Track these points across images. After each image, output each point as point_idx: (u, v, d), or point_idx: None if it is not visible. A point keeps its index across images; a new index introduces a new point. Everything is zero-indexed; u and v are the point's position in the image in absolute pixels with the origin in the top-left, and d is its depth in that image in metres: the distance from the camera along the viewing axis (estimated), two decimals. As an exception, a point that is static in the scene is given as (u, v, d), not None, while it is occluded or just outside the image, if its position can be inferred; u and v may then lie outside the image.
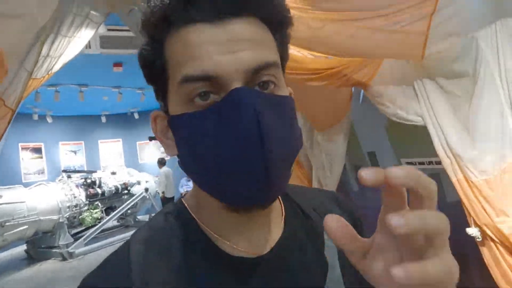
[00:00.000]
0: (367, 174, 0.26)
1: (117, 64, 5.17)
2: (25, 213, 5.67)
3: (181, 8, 0.41)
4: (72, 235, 6.44)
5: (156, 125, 0.49)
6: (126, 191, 7.95)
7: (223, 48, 0.40)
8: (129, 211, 7.85)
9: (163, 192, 7.34)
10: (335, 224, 0.31)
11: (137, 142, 10.16)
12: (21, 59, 1.75)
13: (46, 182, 6.66)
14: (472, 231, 1.79)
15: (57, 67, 2.76)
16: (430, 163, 2.33)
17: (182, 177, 8.82)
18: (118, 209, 7.30)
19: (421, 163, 2.43)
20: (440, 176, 2.17)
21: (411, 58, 1.90)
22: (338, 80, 2.12)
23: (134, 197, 7.64)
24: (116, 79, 6.32)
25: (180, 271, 0.44)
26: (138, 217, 8.54)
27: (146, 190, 7.95)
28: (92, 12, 2.62)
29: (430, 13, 1.63)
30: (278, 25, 0.45)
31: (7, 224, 5.28)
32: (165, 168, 7.46)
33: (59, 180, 6.84)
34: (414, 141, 2.39)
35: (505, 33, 1.57)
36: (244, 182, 0.40)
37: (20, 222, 5.54)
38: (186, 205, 0.52)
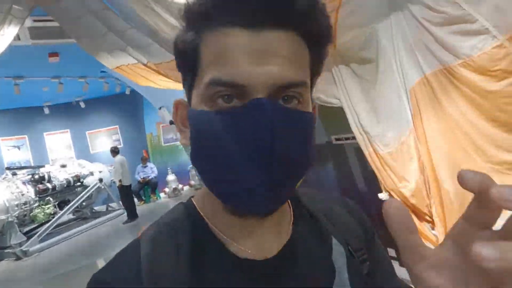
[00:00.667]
0: (470, 178, 0.24)
1: (53, 54, 4.93)
2: (-32, 215, 5.42)
3: (225, 8, 0.40)
4: (25, 233, 6.24)
5: (177, 112, 0.50)
6: (79, 183, 7.75)
7: (255, 59, 0.39)
8: (84, 203, 7.67)
9: (120, 181, 7.25)
10: (392, 209, 0.27)
11: (87, 132, 9.81)
12: None
13: (-12, 182, 6.32)
14: (382, 195, 2.10)
15: (-18, 66, 2.65)
16: (353, 138, 2.61)
17: (137, 164, 8.77)
18: (72, 202, 7.12)
19: (347, 138, 2.71)
20: (361, 149, 2.47)
21: (325, 47, 2.09)
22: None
23: (88, 189, 7.48)
24: (54, 69, 6.01)
25: (188, 271, 0.44)
26: (95, 208, 8.38)
27: (101, 180, 7.81)
28: (15, 6, 2.52)
29: (336, 7, 1.82)
30: (317, 42, 0.44)
31: (-51, 229, 5.03)
32: (119, 157, 7.33)
33: (3, 178, 6.50)
34: (340, 120, 2.65)
35: (398, 25, 1.80)
36: (247, 190, 0.41)
37: (-37, 225, 5.30)
38: (195, 204, 0.52)
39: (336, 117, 2.70)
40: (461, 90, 1.64)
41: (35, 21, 3.56)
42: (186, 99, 0.49)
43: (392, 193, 2.03)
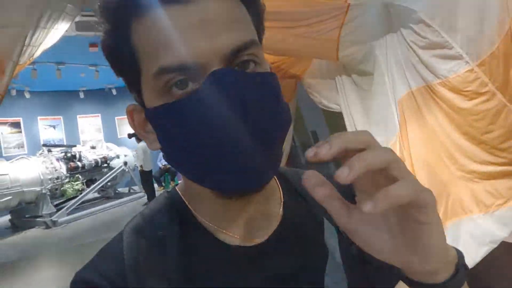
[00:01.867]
0: (310, 153, 0.28)
1: (93, 45, 5.43)
2: (8, 184, 5.99)
3: None
4: (55, 205, 6.82)
5: (133, 119, 0.46)
6: (105, 165, 8.32)
7: (197, 32, 0.37)
8: (109, 184, 8.23)
9: (141, 166, 7.72)
10: (314, 180, 0.30)
11: (116, 117, 10.37)
12: (11, 56, 2.12)
13: (27, 156, 6.96)
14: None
15: (37, 53, 3.10)
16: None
17: (160, 151, 9.24)
18: (98, 182, 7.68)
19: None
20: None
21: (328, 58, 2.38)
22: (277, 73, 2.59)
23: (113, 170, 8.00)
24: (92, 58, 6.54)
25: (176, 263, 0.43)
26: (118, 189, 8.96)
27: (125, 163, 8.32)
28: (69, 5, 2.95)
29: (340, 25, 2.10)
30: None
31: (-8, 194, 5.64)
32: (142, 143, 7.79)
33: (40, 154, 7.14)
34: (342, 123, 2.92)
35: (392, 45, 2.06)
36: (234, 166, 0.39)
37: (4, 193, 5.89)
38: (180, 194, 0.50)
39: (337, 120, 2.98)
40: (440, 105, 1.88)
41: (83, 15, 4.01)
42: (138, 104, 0.46)
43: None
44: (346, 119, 2.41)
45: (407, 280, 0.35)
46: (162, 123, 0.41)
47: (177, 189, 0.52)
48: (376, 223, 0.32)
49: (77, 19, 3.83)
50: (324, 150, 0.28)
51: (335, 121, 3.15)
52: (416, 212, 0.29)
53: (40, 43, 2.95)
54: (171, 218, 0.47)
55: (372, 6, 1.96)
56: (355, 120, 2.34)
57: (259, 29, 0.44)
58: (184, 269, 0.43)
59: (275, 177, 0.53)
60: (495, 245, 1.81)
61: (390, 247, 0.32)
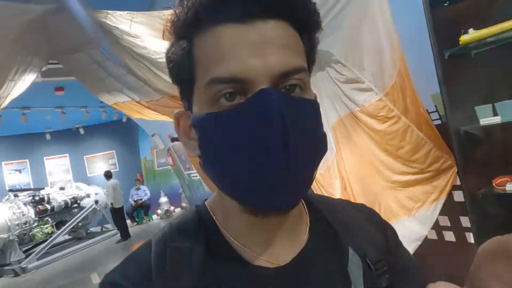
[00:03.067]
0: None
1: (59, 89, 5.60)
2: (-27, 234, 5.87)
3: (212, 8, 0.40)
4: (24, 252, 6.63)
5: (179, 125, 0.48)
6: (76, 205, 8.23)
7: (252, 51, 0.39)
8: (80, 224, 8.11)
9: (111, 204, 7.72)
10: None
11: (85, 156, 10.35)
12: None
13: (-8, 203, 6.81)
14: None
15: (5, 104, 3.27)
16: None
17: (131, 187, 9.26)
18: (69, 223, 7.59)
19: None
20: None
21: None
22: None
23: (84, 210, 7.96)
24: (59, 101, 6.66)
25: (199, 277, 0.44)
26: (90, 229, 8.80)
27: (96, 202, 8.29)
28: (35, 58, 3.19)
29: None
30: (308, 29, 0.45)
31: (-45, 246, 5.46)
32: (112, 180, 7.85)
33: (6, 200, 6.99)
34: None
35: (322, 80, 2.45)
36: (266, 184, 0.39)
37: (-32, 243, 5.73)
38: (208, 208, 0.51)
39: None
40: (363, 128, 2.26)
41: (49, 63, 4.23)
42: (186, 111, 0.48)
43: (326, 206, 2.61)
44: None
45: None
46: (205, 130, 0.43)
47: (206, 204, 0.53)
48: None
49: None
50: None
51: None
52: None
53: (8, 94, 3.14)
54: (198, 232, 0.48)
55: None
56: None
57: (310, 59, 0.47)
58: (205, 282, 0.44)
59: (303, 201, 0.54)
60: (420, 242, 2.15)
61: None
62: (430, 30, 1.78)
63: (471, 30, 1.69)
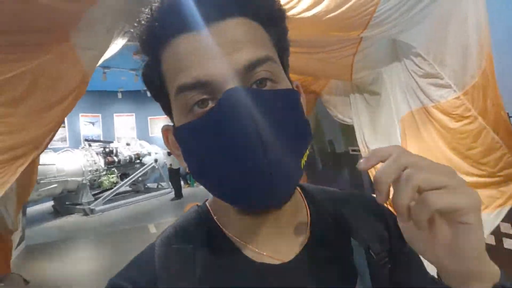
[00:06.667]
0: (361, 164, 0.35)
1: (137, 53, 6.02)
2: (55, 173, 6.71)
3: (166, 23, 0.41)
4: (93, 195, 7.49)
5: (167, 139, 0.49)
6: (138, 161, 8.99)
7: (211, 53, 0.39)
8: (140, 179, 8.87)
9: (170, 164, 8.30)
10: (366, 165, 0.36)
11: (148, 117, 11.09)
12: (91, 73, 2.69)
13: (71, 149, 7.71)
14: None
15: (100, 62, 3.68)
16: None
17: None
18: (131, 176, 8.34)
19: (358, 150, 3.37)
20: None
21: (344, 79, 2.79)
22: (300, 89, 3.04)
23: (145, 166, 8.66)
24: (134, 63, 7.17)
25: (203, 276, 0.44)
26: (148, 184, 9.61)
27: (156, 161, 8.95)
28: (126, 24, 3.51)
29: (354, 53, 2.51)
30: (269, 20, 0.44)
31: (41, 182, 6.29)
32: (173, 142, 8.35)
33: (82, 148, 7.87)
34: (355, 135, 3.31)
35: (396, 71, 2.45)
36: (248, 186, 0.39)
37: (51, 181, 6.60)
38: (209, 208, 0.52)
39: (352, 132, 3.37)
40: (434, 124, 2.25)
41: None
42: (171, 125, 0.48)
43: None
44: (357, 132, 2.80)
45: None
46: (184, 142, 0.44)
47: (207, 203, 0.53)
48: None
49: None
50: (366, 162, 0.36)
51: (349, 132, 3.54)
52: (456, 214, 0.33)
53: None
54: (200, 232, 0.49)
55: (380, 40, 2.36)
56: (364, 133, 2.73)
57: (281, 48, 0.46)
58: (210, 283, 0.44)
59: (302, 195, 0.54)
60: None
61: (430, 244, 0.36)
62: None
63: None
